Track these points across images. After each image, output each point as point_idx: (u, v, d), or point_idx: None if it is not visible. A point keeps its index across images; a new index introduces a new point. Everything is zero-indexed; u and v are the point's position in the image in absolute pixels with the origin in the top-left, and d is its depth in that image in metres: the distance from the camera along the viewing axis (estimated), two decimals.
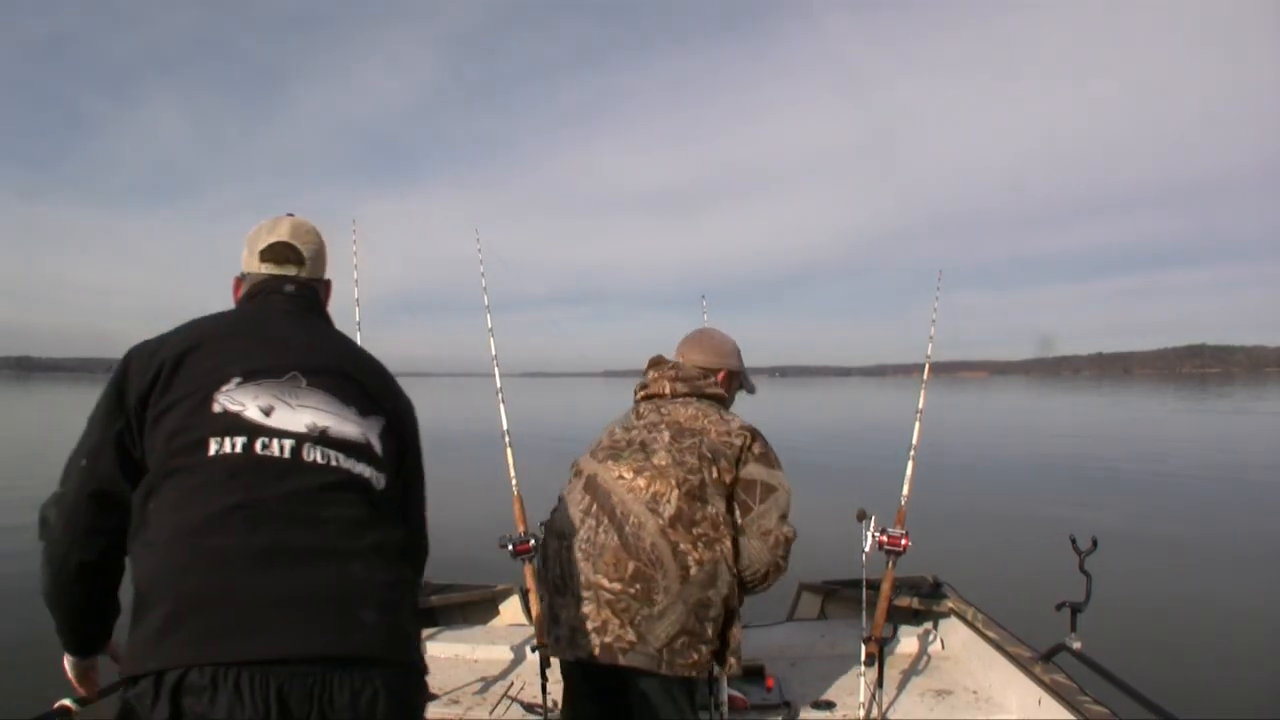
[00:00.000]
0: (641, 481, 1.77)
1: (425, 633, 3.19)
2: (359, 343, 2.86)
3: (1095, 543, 2.20)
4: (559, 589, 1.80)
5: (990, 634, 2.77)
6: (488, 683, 2.75)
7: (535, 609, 2.35)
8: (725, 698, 2.28)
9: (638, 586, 1.69)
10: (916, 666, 2.90)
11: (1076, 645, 2.21)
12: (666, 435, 1.86)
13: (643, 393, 2.02)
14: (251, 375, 1.17)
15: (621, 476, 1.80)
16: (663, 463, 1.79)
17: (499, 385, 3.04)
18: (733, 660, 1.80)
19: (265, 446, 1.12)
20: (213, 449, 1.10)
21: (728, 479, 1.81)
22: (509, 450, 2.87)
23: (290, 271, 1.38)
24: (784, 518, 1.85)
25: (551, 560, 1.84)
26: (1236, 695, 4.00)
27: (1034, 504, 9.57)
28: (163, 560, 1.06)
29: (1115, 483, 11.47)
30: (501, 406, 2.96)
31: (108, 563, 1.19)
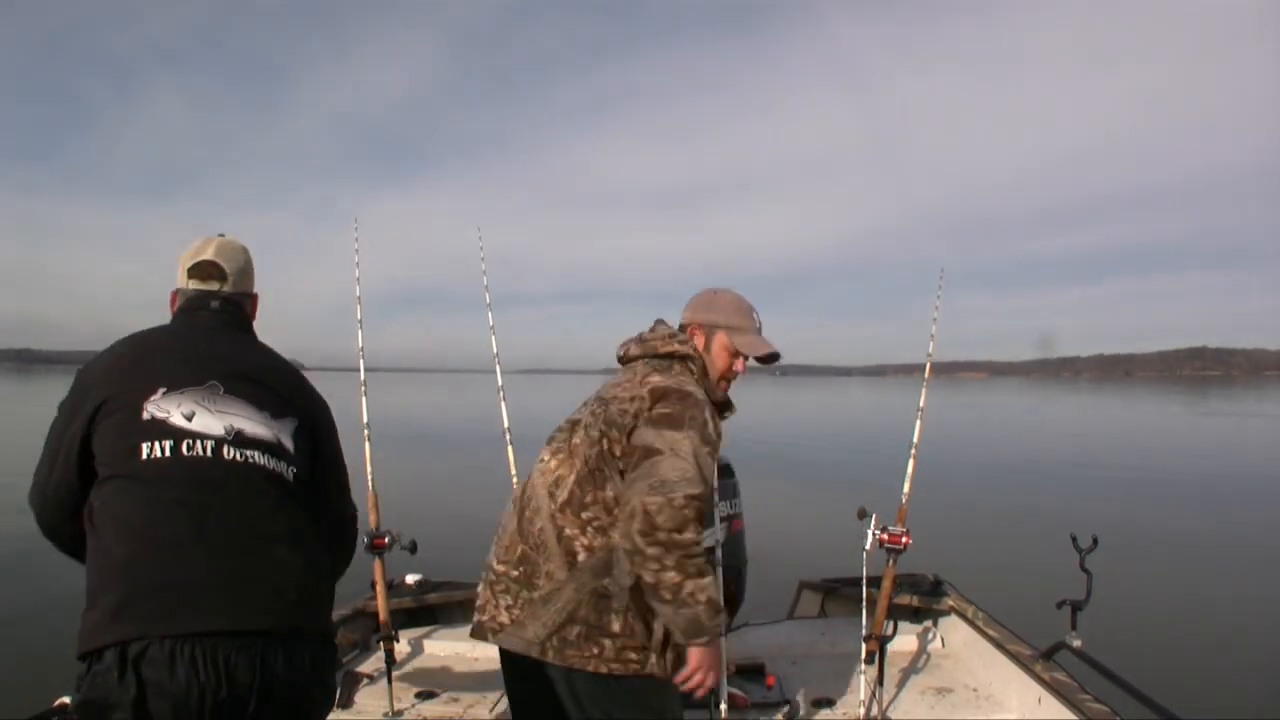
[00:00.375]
0: (553, 464, 1.65)
1: (426, 631, 3.20)
2: (360, 338, 2.87)
3: (1096, 541, 2.20)
4: (484, 571, 1.75)
5: (991, 632, 2.77)
6: (489, 680, 2.75)
7: None
8: (725, 696, 2.28)
9: (521, 570, 1.62)
10: (917, 664, 2.90)
11: (1077, 643, 2.21)
12: (588, 409, 1.68)
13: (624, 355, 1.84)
14: (175, 385, 1.33)
15: (541, 459, 1.70)
16: (578, 440, 1.63)
17: (500, 384, 3.05)
18: (668, 658, 1.59)
19: (190, 448, 1.29)
20: (144, 453, 1.26)
21: (618, 451, 1.58)
22: (509, 448, 2.87)
23: (214, 287, 1.51)
24: (658, 485, 1.47)
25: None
26: (1237, 694, 4.00)
27: (1034, 503, 9.57)
28: (111, 552, 1.22)
29: (1116, 482, 11.47)
30: (503, 405, 2.96)
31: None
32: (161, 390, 1.31)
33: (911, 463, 2.72)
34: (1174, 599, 5.73)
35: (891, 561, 2.54)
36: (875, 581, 2.55)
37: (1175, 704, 1.75)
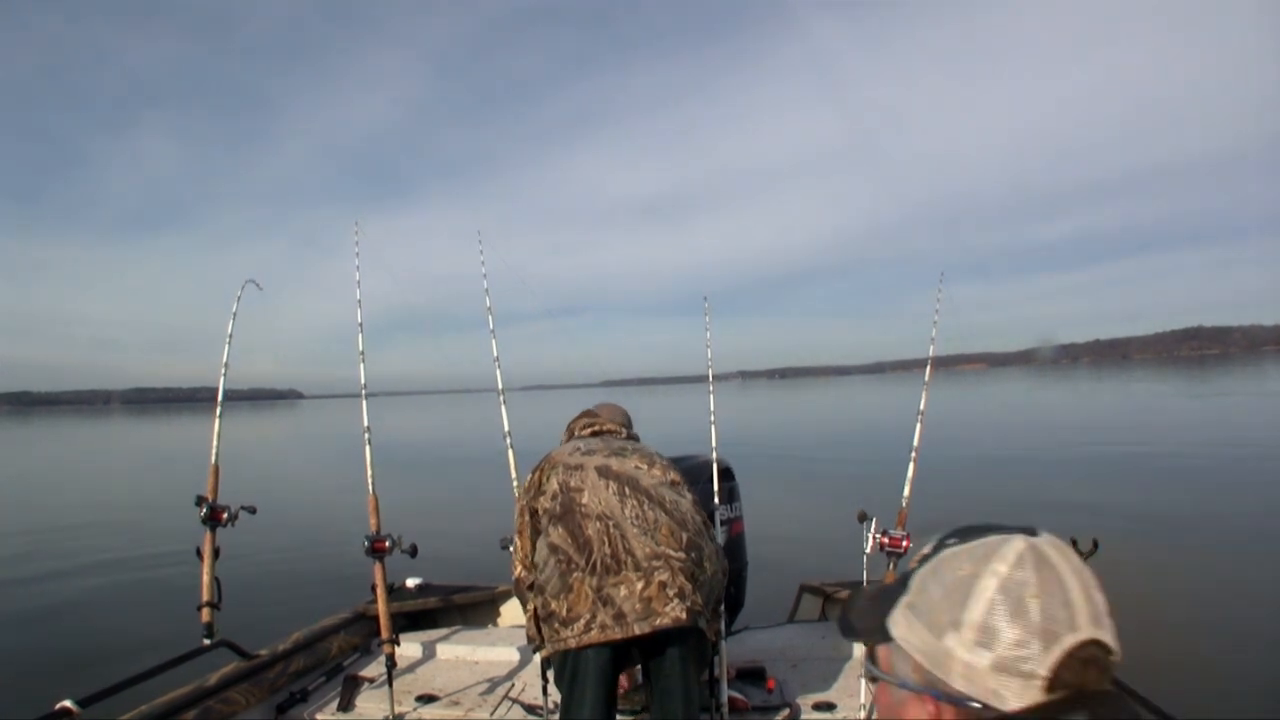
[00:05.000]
0: (655, 470, 2.07)
1: (427, 634, 3.20)
2: (360, 341, 2.88)
3: (1096, 545, 2.20)
4: (609, 569, 1.85)
5: None
6: (489, 684, 2.75)
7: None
8: (725, 699, 2.28)
9: (693, 554, 1.91)
10: None
11: None
12: (635, 452, 2.15)
13: (592, 429, 2.32)
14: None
15: (639, 467, 2.06)
16: (656, 462, 2.14)
17: (500, 385, 3.05)
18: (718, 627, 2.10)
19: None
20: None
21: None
22: (510, 451, 2.87)
23: None
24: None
25: (595, 542, 1.88)
26: (1237, 695, 4.00)
27: (1035, 503, 9.57)
28: None
29: (1116, 478, 11.46)
30: (503, 408, 2.97)
31: None
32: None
33: (912, 466, 2.72)
34: (1174, 600, 5.72)
35: (892, 565, 2.54)
36: (876, 585, 2.55)
37: (1175, 706, 1.75)
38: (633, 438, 2.34)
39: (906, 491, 2.66)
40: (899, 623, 0.74)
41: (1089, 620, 0.69)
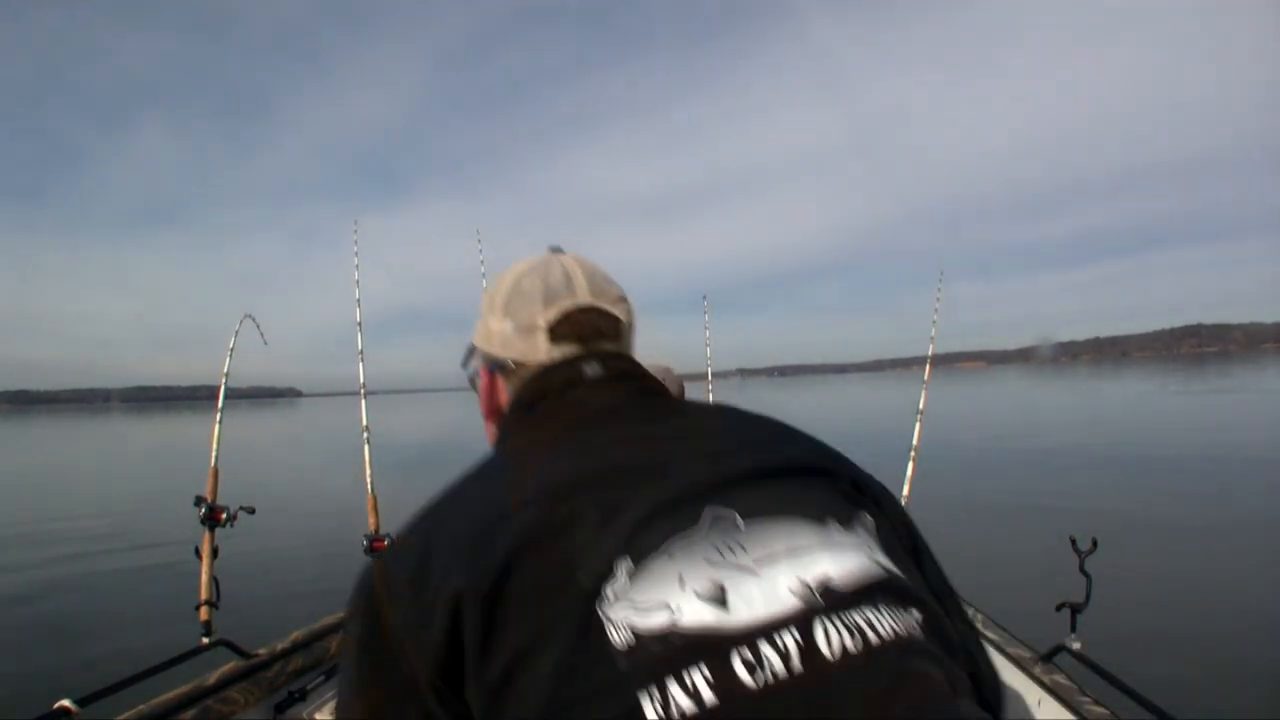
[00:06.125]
0: None
1: None
2: (359, 340, 2.88)
3: (1095, 543, 2.20)
4: None
5: (990, 634, 2.77)
6: None
7: None
8: None
9: None
10: None
11: (1077, 646, 2.21)
12: None
13: None
14: (644, 541, 0.60)
15: None
16: None
17: None
18: None
19: (753, 666, 0.54)
20: (653, 714, 0.52)
21: None
22: None
23: (607, 348, 0.84)
24: None
25: None
26: (1237, 695, 4.00)
27: (1035, 503, 9.57)
28: None
29: (1116, 477, 11.47)
30: None
31: None
32: (623, 565, 0.58)
33: (911, 465, 2.72)
34: (1175, 600, 5.73)
35: None
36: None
37: (1176, 706, 1.75)
38: None
39: (906, 490, 2.66)
40: (475, 331, 0.92)
41: (587, 293, 0.85)
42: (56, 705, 1.79)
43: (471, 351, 0.92)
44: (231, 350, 2.98)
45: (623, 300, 0.88)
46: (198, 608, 2.54)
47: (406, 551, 0.66)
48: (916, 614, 0.62)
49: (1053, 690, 2.24)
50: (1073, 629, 2.22)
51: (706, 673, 0.53)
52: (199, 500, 2.65)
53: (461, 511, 0.67)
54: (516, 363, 0.84)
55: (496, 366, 0.86)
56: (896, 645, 0.58)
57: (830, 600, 0.58)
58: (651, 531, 0.60)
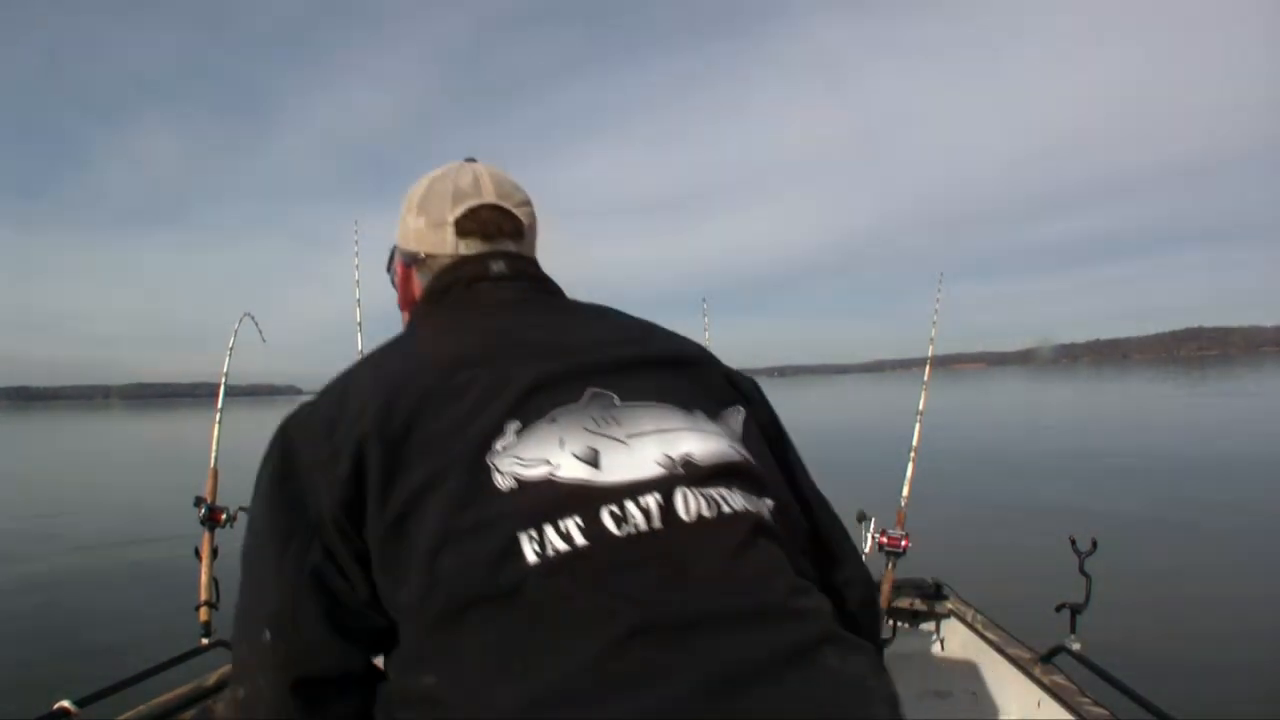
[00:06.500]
0: None
1: None
2: (360, 348, 2.88)
3: (1095, 544, 2.21)
4: None
5: (990, 635, 2.78)
6: None
7: None
8: None
9: None
10: (916, 668, 2.90)
11: (1076, 647, 2.21)
12: None
13: None
14: (531, 407, 0.70)
15: None
16: None
17: None
18: None
19: (620, 519, 0.63)
20: (531, 553, 0.61)
21: None
22: None
23: (508, 248, 0.92)
24: None
25: None
26: (1237, 696, 4.00)
27: (1035, 503, 9.57)
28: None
29: (1116, 478, 11.47)
30: None
31: None
32: (512, 424, 0.68)
33: (911, 466, 2.72)
34: (1175, 601, 5.73)
35: (891, 565, 2.54)
36: (874, 585, 2.55)
37: (1175, 707, 1.75)
38: None
39: (905, 491, 2.66)
40: (398, 230, 0.97)
41: (493, 194, 0.92)
42: (56, 706, 1.79)
43: (394, 253, 1.00)
44: (231, 349, 2.97)
45: (526, 204, 0.97)
46: (197, 608, 2.55)
47: (325, 401, 0.76)
48: (769, 501, 0.73)
49: (1052, 691, 2.24)
50: (1072, 629, 2.22)
51: (579, 520, 0.63)
52: (199, 501, 2.65)
53: (373, 372, 0.77)
54: (428, 255, 0.93)
55: (411, 259, 0.95)
56: (747, 520, 0.68)
57: (690, 473, 0.68)
58: (539, 400, 0.71)
